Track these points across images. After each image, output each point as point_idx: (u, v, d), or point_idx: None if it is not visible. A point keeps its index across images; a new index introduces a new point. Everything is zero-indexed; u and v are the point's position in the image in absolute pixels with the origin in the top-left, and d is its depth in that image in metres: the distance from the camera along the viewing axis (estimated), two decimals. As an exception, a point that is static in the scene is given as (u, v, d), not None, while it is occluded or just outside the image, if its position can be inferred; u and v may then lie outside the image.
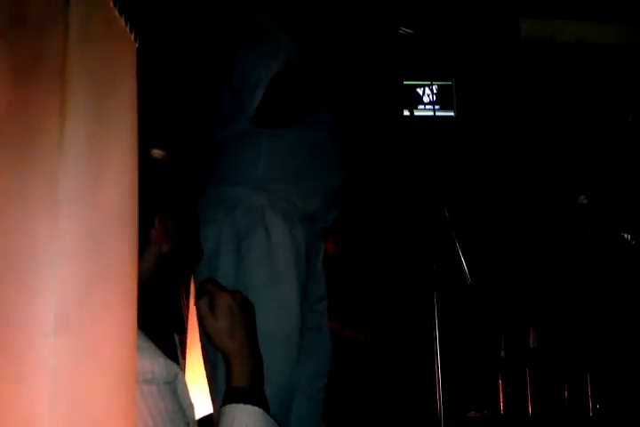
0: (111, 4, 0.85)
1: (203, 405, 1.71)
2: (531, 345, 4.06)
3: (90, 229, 0.77)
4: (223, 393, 1.16)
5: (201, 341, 1.74)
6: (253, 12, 1.78)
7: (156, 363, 1.05)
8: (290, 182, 1.75)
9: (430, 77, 4.86)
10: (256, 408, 1.12)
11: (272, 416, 1.15)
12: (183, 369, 1.22)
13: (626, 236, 4.09)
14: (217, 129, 1.82)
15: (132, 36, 0.89)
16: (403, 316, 4.36)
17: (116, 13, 0.86)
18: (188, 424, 1.13)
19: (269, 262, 1.67)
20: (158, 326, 1.18)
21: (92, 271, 0.77)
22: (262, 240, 1.68)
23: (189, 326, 2.49)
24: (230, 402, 1.13)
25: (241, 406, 1.11)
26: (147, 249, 1.15)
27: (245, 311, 1.20)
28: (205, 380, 1.71)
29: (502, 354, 4.12)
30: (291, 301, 1.67)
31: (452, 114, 4.97)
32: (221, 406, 1.14)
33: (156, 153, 1.21)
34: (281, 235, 1.70)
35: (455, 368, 2.85)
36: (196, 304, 1.21)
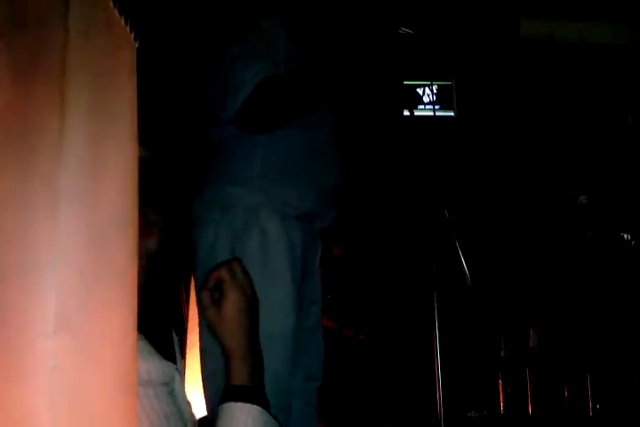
0: (111, 4, 0.85)
1: (203, 405, 1.70)
2: (531, 345, 4.06)
3: (90, 229, 0.77)
4: (218, 391, 1.12)
5: (200, 337, 1.72)
6: (252, 13, 1.77)
7: (152, 364, 1.03)
8: (286, 181, 1.74)
9: (430, 77, 4.86)
10: (255, 406, 1.07)
11: (273, 416, 1.10)
12: (183, 369, 1.21)
13: (626, 236, 4.09)
14: (213, 129, 1.81)
15: (132, 35, 0.89)
16: (403, 316, 4.36)
17: (116, 13, 0.86)
18: (186, 426, 1.11)
19: (264, 262, 1.66)
20: (156, 326, 1.17)
21: (91, 271, 0.77)
22: (257, 240, 1.67)
23: (189, 327, 2.49)
24: (228, 400, 1.08)
25: (239, 404, 1.07)
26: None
27: (253, 307, 1.15)
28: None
29: (502, 354, 4.13)
30: (285, 301, 1.65)
31: (451, 114, 4.97)
32: (219, 405, 1.09)
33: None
34: (276, 235, 1.69)
35: (455, 368, 2.85)
36: (198, 295, 1.15)
